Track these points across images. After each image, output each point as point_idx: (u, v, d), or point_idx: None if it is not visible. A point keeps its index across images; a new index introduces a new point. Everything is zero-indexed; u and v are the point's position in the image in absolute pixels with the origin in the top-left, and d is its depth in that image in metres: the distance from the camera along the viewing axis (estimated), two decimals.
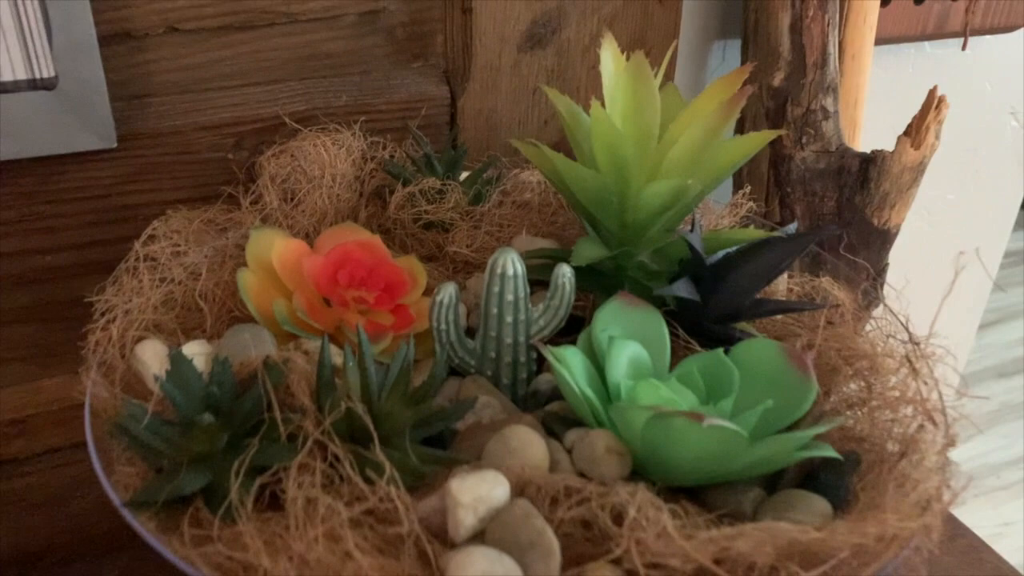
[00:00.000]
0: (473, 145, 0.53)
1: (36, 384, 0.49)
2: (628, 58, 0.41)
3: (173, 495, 0.29)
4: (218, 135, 0.47)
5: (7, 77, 0.42)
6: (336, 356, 0.36)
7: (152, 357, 0.35)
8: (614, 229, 0.42)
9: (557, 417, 0.36)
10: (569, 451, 0.33)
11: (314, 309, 0.39)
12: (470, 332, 0.41)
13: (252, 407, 0.30)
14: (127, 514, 0.29)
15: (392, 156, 0.50)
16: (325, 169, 0.48)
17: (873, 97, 0.65)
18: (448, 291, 0.38)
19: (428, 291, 0.44)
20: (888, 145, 0.57)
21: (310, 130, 0.48)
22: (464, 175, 0.50)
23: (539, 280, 0.42)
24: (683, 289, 0.38)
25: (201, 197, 0.47)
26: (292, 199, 0.46)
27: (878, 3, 0.62)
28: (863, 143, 0.63)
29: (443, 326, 0.38)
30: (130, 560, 0.42)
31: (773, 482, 0.35)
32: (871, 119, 0.64)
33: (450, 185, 0.47)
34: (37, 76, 0.42)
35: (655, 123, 0.41)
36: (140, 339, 0.36)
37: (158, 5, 0.45)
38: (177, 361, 0.32)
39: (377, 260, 0.42)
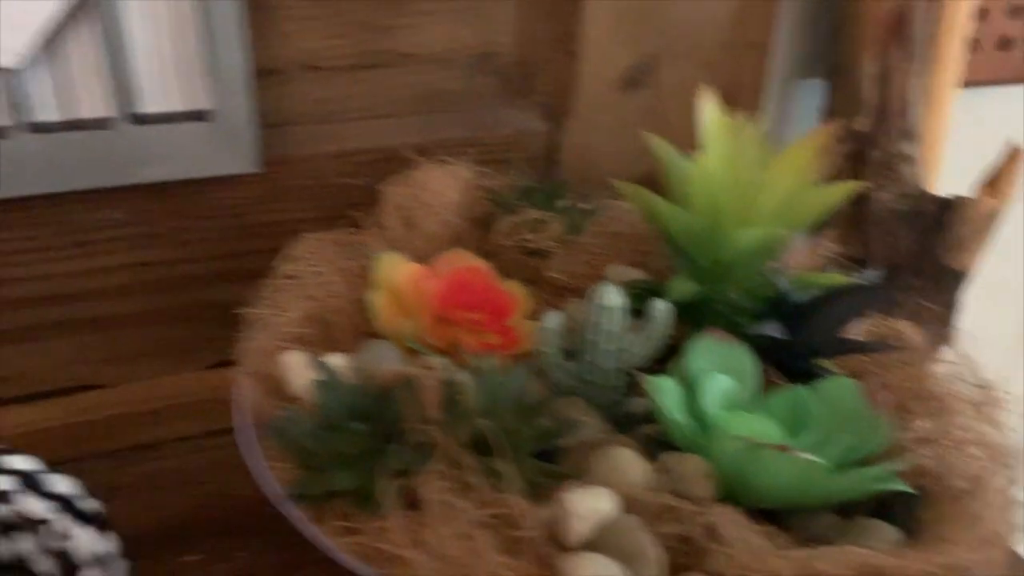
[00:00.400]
0: (570, 177, 0.57)
1: (171, 378, 0.55)
2: (720, 102, 0.44)
3: (324, 490, 0.34)
4: (345, 162, 0.52)
5: (168, 108, 0.47)
6: (454, 372, 0.40)
7: (296, 366, 0.40)
8: (706, 267, 0.46)
9: (651, 440, 0.39)
10: (663, 472, 0.37)
11: (433, 328, 0.44)
12: (569, 355, 0.45)
13: (392, 415, 0.35)
14: (287, 504, 0.34)
15: (497, 186, 0.55)
16: (438, 197, 0.52)
17: (955, 140, 0.67)
18: (555, 319, 0.42)
19: (530, 314, 0.48)
20: (969, 184, 0.59)
21: (426, 160, 0.53)
22: (562, 205, 0.54)
23: (633, 309, 0.46)
24: (773, 329, 0.42)
25: (327, 217, 0.52)
26: (409, 224, 0.51)
27: (964, 51, 0.64)
28: (944, 182, 0.65)
29: (548, 349, 0.43)
30: (261, 545, 0.47)
31: (847, 509, 0.38)
32: (953, 160, 0.67)
33: (550, 216, 0.52)
34: (195, 108, 0.48)
35: (749, 172, 0.44)
36: (285, 349, 0.41)
37: (300, 45, 0.50)
38: (326, 372, 0.36)
39: (486, 285, 0.47)
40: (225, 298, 0.51)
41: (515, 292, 0.49)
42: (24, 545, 0.37)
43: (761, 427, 0.38)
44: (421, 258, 0.50)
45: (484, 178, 0.54)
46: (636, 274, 0.52)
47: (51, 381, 0.52)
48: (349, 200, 0.53)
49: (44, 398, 0.52)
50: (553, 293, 0.53)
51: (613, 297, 0.42)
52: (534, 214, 0.52)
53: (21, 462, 0.39)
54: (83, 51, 0.44)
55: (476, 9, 0.53)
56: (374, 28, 0.51)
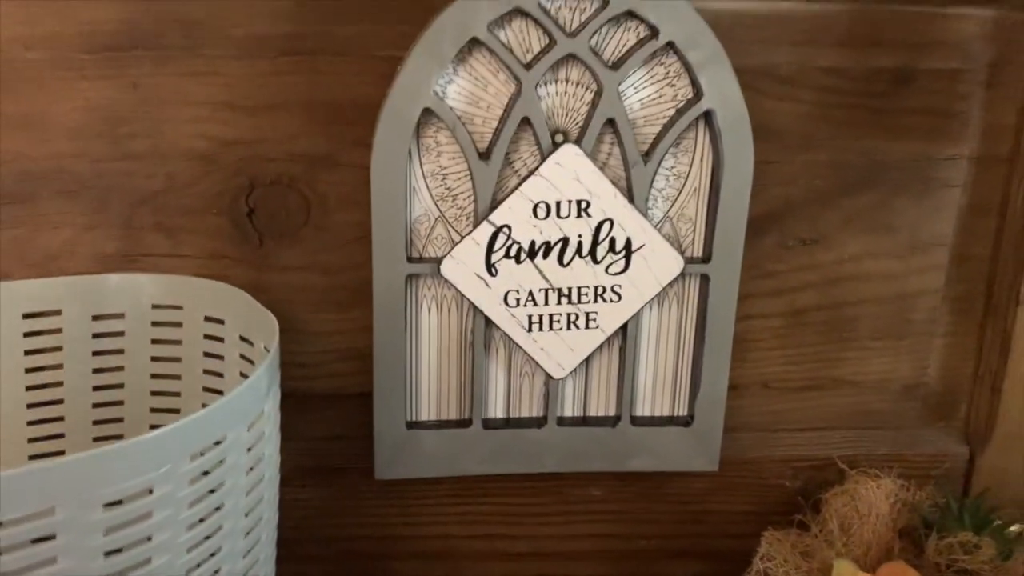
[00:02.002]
0: (989, 500, 0.61)
1: None
2: None
3: None
4: (785, 467, 0.61)
5: (657, 413, 0.58)
6: None
7: None
8: None
9: None
10: None
11: None
12: None
13: None
14: None
15: (920, 501, 0.60)
16: (871, 507, 0.59)
17: None
18: None
19: None
20: None
21: (855, 472, 0.60)
22: (992, 528, 0.58)
23: None
24: None
25: (763, 512, 0.60)
26: (845, 530, 0.57)
27: None
28: None
29: None
30: None
31: None
32: None
33: (984, 539, 0.56)
34: (679, 414, 0.59)
35: None
36: None
37: (762, 369, 0.60)
38: None
39: None
40: (674, 572, 0.59)
41: None
42: None
43: None
44: (858, 565, 0.56)
45: (907, 491, 0.60)
46: None
47: None
48: (783, 499, 0.61)
49: None
50: None
51: None
52: (966, 535, 0.56)
53: None
54: (603, 366, 0.57)
55: (911, 347, 0.61)
56: (826, 359, 0.60)
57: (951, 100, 0.57)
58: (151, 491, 0.35)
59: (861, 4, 0.54)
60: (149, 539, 0.36)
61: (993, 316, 0.61)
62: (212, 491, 0.38)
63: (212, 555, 0.40)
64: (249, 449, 0.40)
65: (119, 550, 0.36)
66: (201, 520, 0.38)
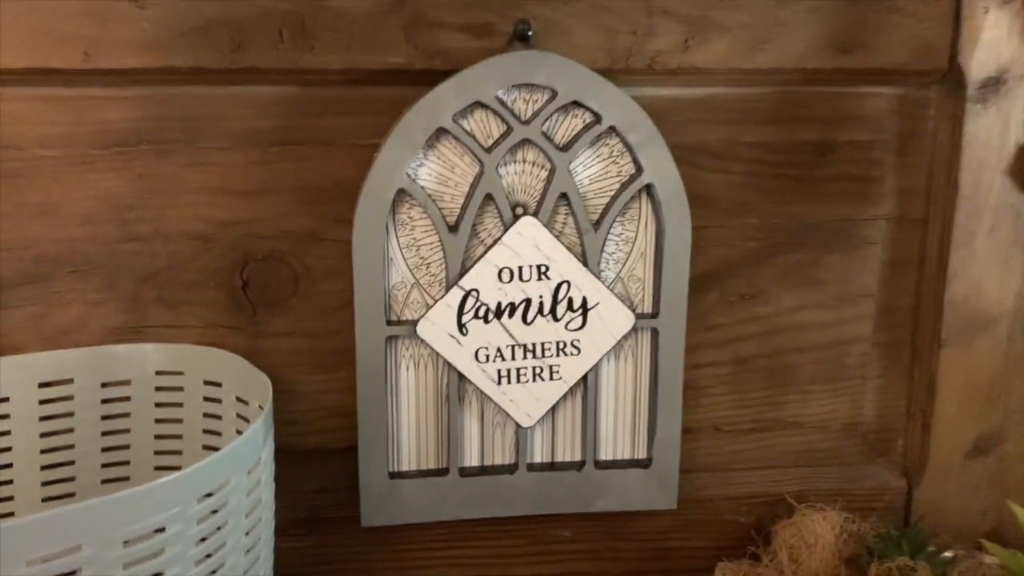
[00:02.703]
0: (925, 528, 0.66)
1: None
2: None
3: None
4: (739, 504, 0.66)
5: (619, 457, 0.64)
6: None
7: None
8: None
9: None
10: None
11: None
12: None
13: None
14: None
15: (863, 532, 0.65)
16: (818, 538, 0.64)
17: None
18: None
19: None
20: None
21: (803, 506, 0.65)
22: (927, 553, 0.63)
23: None
24: None
25: (719, 547, 0.65)
26: (795, 560, 0.63)
27: None
28: None
29: None
30: None
31: None
32: None
33: (919, 564, 0.61)
34: (638, 458, 0.64)
35: None
36: None
37: (712, 414, 0.66)
38: None
39: None
40: None
41: None
42: None
43: None
44: None
45: (851, 524, 0.65)
46: None
47: None
48: (738, 534, 0.66)
49: None
50: None
51: None
52: (903, 560, 0.61)
53: None
54: (567, 414, 0.62)
55: (847, 390, 0.67)
56: (771, 403, 0.66)
57: (868, 167, 0.64)
58: (163, 529, 0.41)
59: (782, 88, 0.62)
60: (161, 575, 0.41)
61: (919, 359, 0.67)
62: (218, 529, 0.44)
63: None
64: (249, 493, 0.46)
65: None
66: (207, 556, 0.43)
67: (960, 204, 0.63)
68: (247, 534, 0.46)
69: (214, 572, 0.44)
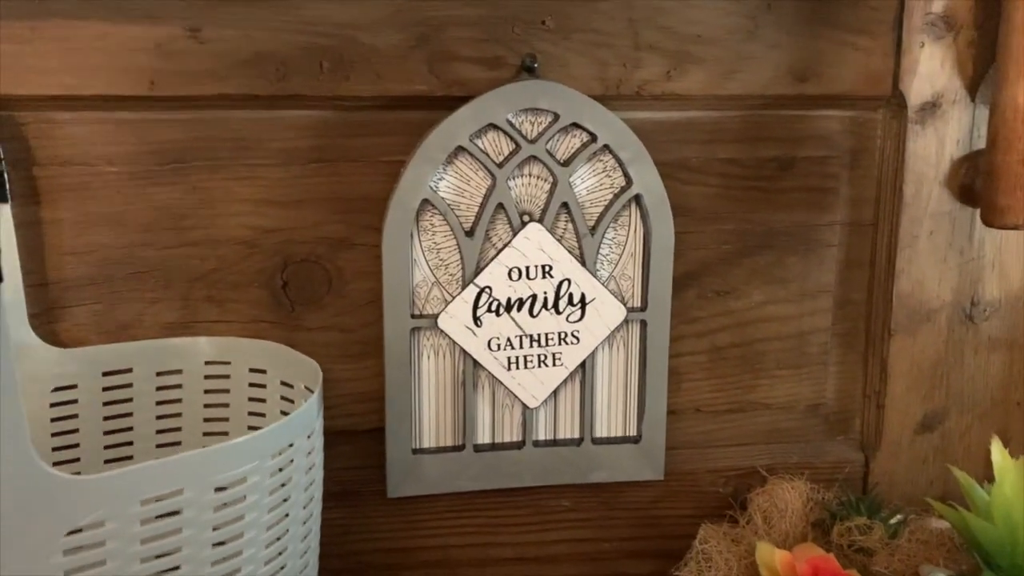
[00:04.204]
0: (881, 495, 0.75)
1: None
2: (1010, 453, 0.63)
3: None
4: (715, 476, 0.75)
5: (612, 434, 0.72)
6: None
7: None
8: (1005, 568, 0.62)
9: None
10: None
11: None
12: None
13: None
14: None
15: (827, 499, 0.74)
16: (788, 504, 0.73)
17: None
18: None
19: None
20: None
21: (774, 477, 0.74)
22: (881, 515, 0.72)
23: None
24: None
25: (702, 515, 0.74)
26: (768, 522, 0.71)
27: None
28: None
29: None
30: None
31: None
32: None
33: (875, 524, 0.70)
34: (629, 435, 0.73)
35: None
36: None
37: (693, 397, 0.75)
38: None
39: (835, 569, 0.65)
40: (633, 571, 0.72)
41: None
42: None
43: None
44: (780, 547, 0.69)
45: (816, 493, 0.74)
46: (943, 572, 0.68)
47: None
48: (718, 503, 0.75)
49: None
50: None
51: None
52: (861, 521, 0.70)
53: None
54: (568, 396, 0.71)
55: (809, 375, 0.76)
56: (743, 387, 0.75)
57: (824, 180, 0.73)
58: (246, 480, 0.48)
59: (749, 111, 0.71)
60: (242, 517, 0.49)
61: (872, 347, 0.77)
62: (283, 485, 0.51)
63: (280, 536, 0.53)
64: (308, 454, 0.54)
65: (220, 527, 0.49)
66: (280, 503, 0.51)
67: (904, 211, 0.73)
68: (306, 490, 0.54)
69: (283, 518, 0.52)
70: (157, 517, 0.47)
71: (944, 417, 0.77)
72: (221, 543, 0.48)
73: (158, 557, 0.47)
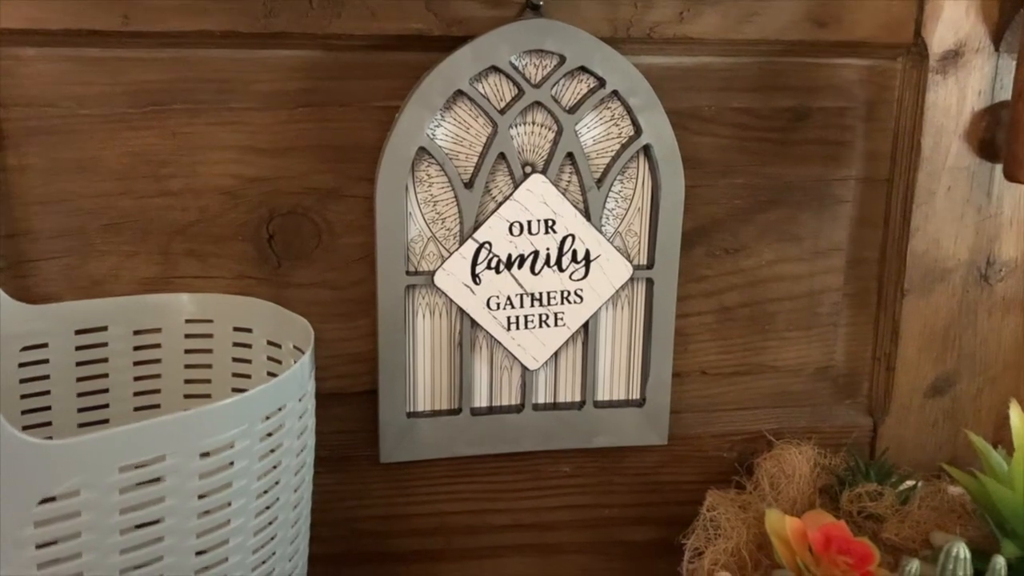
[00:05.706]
0: (890, 460, 0.73)
1: None
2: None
3: None
4: (723, 441, 0.72)
5: (615, 398, 0.69)
6: None
7: None
8: (1022, 535, 0.60)
9: None
10: None
11: (817, 567, 0.60)
12: None
13: None
14: None
15: (834, 465, 0.72)
16: (795, 469, 0.70)
17: None
18: (913, 564, 0.57)
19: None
20: None
21: (781, 442, 0.71)
22: (892, 481, 0.70)
23: None
24: None
25: (706, 480, 0.71)
26: (775, 488, 0.69)
27: None
28: None
29: None
30: None
31: None
32: None
33: (886, 490, 0.68)
34: (633, 398, 0.70)
35: None
36: (717, 571, 0.58)
37: (699, 359, 0.72)
38: None
39: (849, 537, 0.63)
40: (635, 538, 0.70)
41: (868, 545, 0.64)
42: None
43: None
44: (788, 514, 0.67)
45: (824, 457, 0.71)
46: (954, 539, 0.66)
47: None
48: (722, 468, 0.72)
49: None
50: (887, 551, 0.68)
51: (962, 550, 0.57)
52: (871, 487, 0.68)
53: None
54: (569, 358, 0.68)
55: (819, 336, 0.73)
56: (751, 349, 0.72)
57: (839, 132, 0.70)
58: (232, 445, 0.45)
59: (765, 58, 0.67)
60: (230, 485, 0.45)
61: (884, 308, 0.74)
62: (272, 450, 0.48)
63: (270, 505, 0.49)
64: (300, 417, 0.50)
65: (206, 495, 0.45)
66: (269, 470, 0.48)
67: (921, 166, 0.70)
68: (297, 456, 0.51)
69: (273, 486, 0.48)
70: (137, 485, 0.43)
71: (955, 380, 0.75)
72: (207, 512, 0.45)
73: (138, 528, 0.44)
